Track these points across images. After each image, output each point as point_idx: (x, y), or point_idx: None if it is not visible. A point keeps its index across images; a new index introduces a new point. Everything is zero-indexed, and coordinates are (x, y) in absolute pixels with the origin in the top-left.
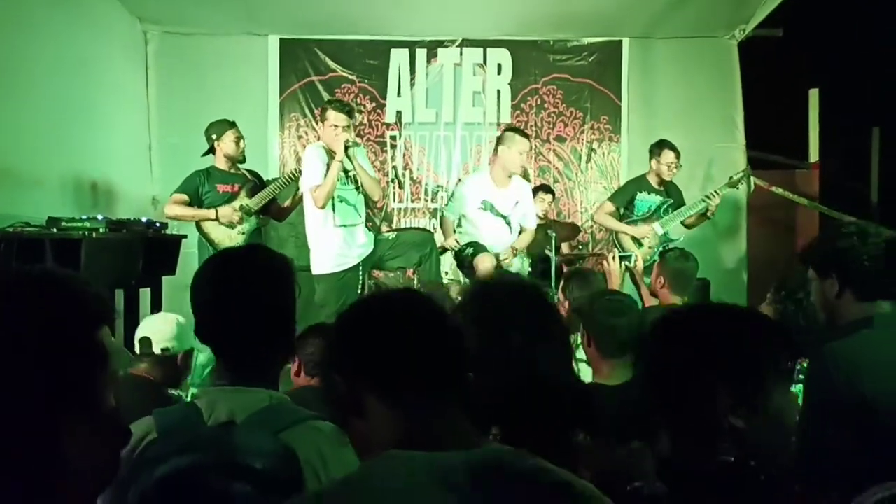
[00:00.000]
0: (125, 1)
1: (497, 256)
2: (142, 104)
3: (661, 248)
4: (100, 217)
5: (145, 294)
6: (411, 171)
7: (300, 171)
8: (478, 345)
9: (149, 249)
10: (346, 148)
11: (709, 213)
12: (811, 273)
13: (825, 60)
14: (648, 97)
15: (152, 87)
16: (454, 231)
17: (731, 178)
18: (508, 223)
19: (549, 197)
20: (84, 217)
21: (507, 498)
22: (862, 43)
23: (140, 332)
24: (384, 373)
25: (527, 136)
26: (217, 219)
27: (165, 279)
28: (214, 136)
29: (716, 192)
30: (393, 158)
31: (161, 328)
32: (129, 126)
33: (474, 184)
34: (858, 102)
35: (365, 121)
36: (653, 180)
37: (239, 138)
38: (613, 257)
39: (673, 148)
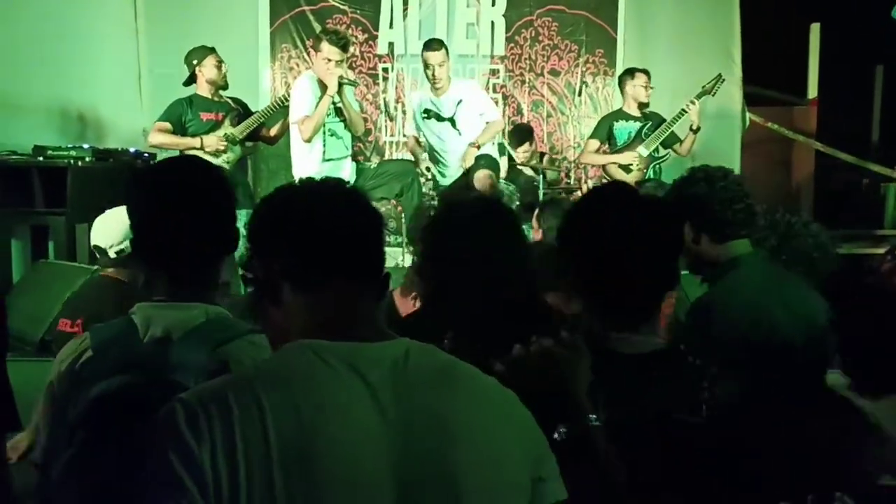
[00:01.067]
0: None
1: (495, 173)
2: (131, 33)
3: (650, 170)
4: (86, 146)
5: None
6: (403, 104)
7: (287, 99)
8: (438, 257)
9: None
10: (340, 85)
11: (694, 127)
12: None
13: None
14: (645, 30)
15: (142, 15)
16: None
17: (703, 86)
18: (454, 125)
19: (526, 146)
20: (70, 146)
21: (414, 389)
22: None
23: (93, 238)
24: (297, 257)
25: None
26: (202, 147)
27: None
28: (195, 62)
29: (691, 101)
30: (385, 91)
31: (112, 230)
32: (118, 55)
33: (416, 97)
34: (862, 39)
35: (357, 52)
36: (630, 109)
37: (220, 63)
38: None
39: (643, 70)
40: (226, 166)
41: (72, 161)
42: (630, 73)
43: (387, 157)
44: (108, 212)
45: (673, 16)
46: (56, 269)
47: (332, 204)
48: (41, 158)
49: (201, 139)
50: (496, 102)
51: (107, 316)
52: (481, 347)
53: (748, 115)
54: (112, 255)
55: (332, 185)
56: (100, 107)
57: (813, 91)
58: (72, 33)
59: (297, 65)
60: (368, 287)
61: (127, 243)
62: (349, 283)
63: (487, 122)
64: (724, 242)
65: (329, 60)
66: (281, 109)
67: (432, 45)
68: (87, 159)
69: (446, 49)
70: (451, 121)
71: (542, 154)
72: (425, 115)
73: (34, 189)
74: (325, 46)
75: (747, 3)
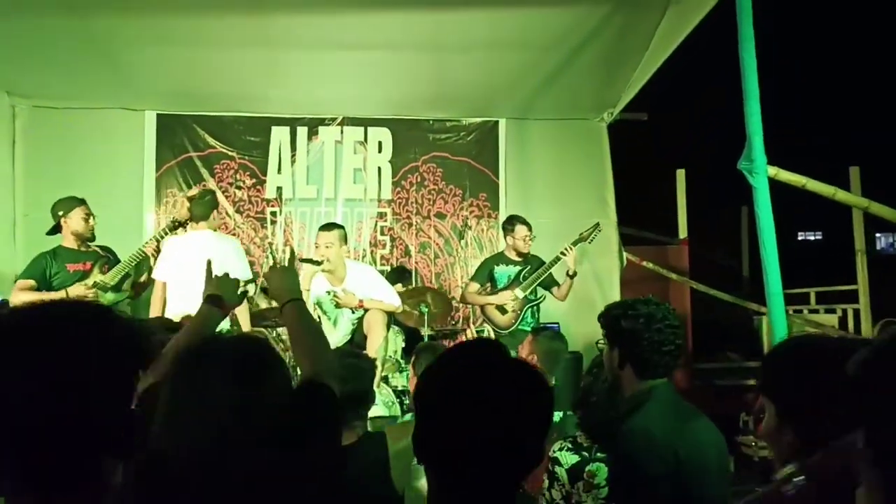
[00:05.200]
0: None
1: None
2: (7, 180)
3: (526, 312)
4: None
5: None
6: (292, 247)
7: (142, 255)
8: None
9: None
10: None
11: (570, 272)
12: (603, 338)
13: (690, 142)
14: (524, 175)
15: (19, 162)
16: None
17: (580, 233)
18: (353, 311)
19: (399, 285)
20: None
21: None
22: (726, 124)
23: None
24: None
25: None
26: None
27: None
28: (61, 214)
29: (567, 248)
30: (273, 234)
31: None
32: None
33: (317, 286)
34: (725, 182)
35: (245, 196)
36: (511, 254)
37: (89, 215)
38: (471, 332)
39: (523, 222)
40: None
41: None
42: (510, 221)
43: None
44: None
45: (549, 164)
46: None
47: None
48: None
49: (66, 291)
50: (384, 245)
51: None
52: None
53: (625, 254)
54: None
55: None
56: None
57: (683, 231)
58: None
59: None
60: None
61: None
62: None
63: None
64: (645, 380)
65: None
66: (146, 259)
67: (325, 226)
68: None
69: (340, 232)
70: (352, 309)
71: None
72: (317, 303)
73: None
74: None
75: (620, 150)
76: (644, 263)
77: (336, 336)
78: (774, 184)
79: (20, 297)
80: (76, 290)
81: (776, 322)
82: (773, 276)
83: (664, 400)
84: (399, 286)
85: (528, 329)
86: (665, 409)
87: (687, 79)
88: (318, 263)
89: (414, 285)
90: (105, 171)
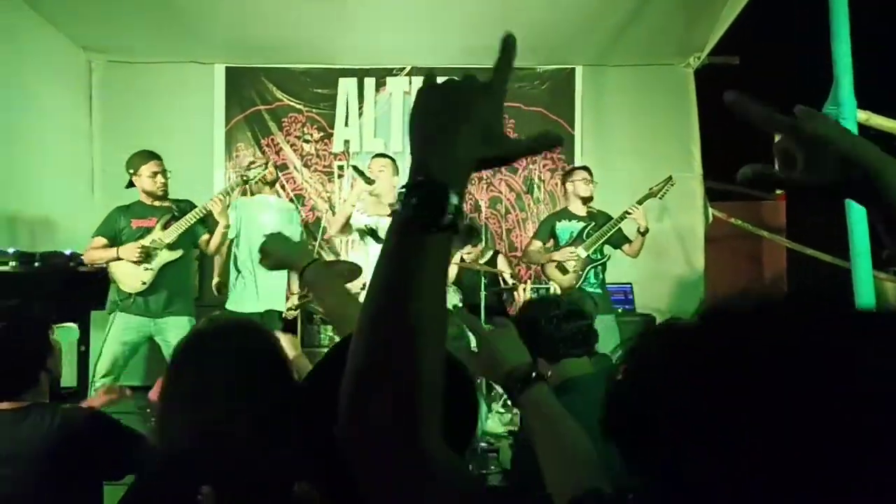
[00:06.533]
0: (69, 31)
1: None
2: (85, 135)
3: (589, 272)
4: (10, 250)
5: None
6: (354, 166)
7: (208, 210)
8: None
9: (71, 283)
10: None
11: (641, 229)
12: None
13: (787, 88)
14: (602, 126)
15: (97, 116)
16: None
17: (650, 188)
18: None
19: (469, 248)
20: None
21: None
22: (824, 68)
23: None
24: None
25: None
26: (119, 257)
27: (95, 313)
28: (131, 171)
29: (635, 205)
30: (340, 189)
31: None
32: (71, 157)
33: (360, 218)
34: None
35: (312, 150)
36: (574, 208)
37: (156, 172)
38: (524, 290)
39: (583, 167)
40: (148, 274)
41: None
42: (570, 172)
43: (341, 254)
44: None
45: (630, 113)
46: None
47: None
48: None
49: (117, 249)
50: None
51: None
52: None
53: (711, 210)
54: None
55: None
56: (50, 209)
57: None
58: (24, 138)
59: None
60: None
61: None
62: None
63: None
64: (558, 361)
65: None
66: (210, 215)
67: (379, 154)
68: (12, 264)
69: (395, 163)
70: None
71: (496, 252)
72: (367, 230)
73: None
74: None
75: (710, 98)
76: (732, 220)
77: None
78: (868, 131)
79: (91, 254)
80: (125, 249)
81: (862, 286)
82: (860, 233)
83: (584, 392)
84: (469, 248)
85: (591, 290)
86: (583, 402)
87: (783, 16)
88: (370, 181)
89: (485, 244)
90: (176, 125)
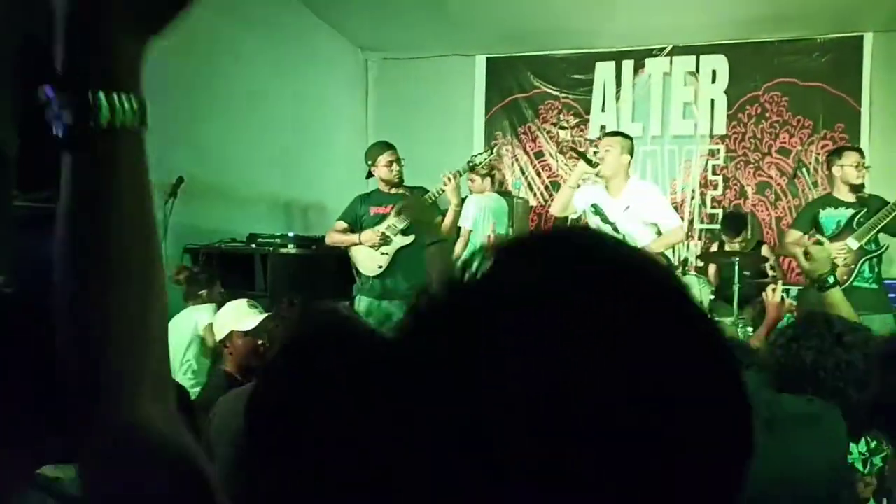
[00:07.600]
0: (348, 33)
1: None
2: (361, 128)
3: (863, 265)
4: (290, 234)
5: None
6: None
7: (442, 192)
8: None
9: (342, 265)
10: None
11: None
12: None
13: None
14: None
15: (371, 111)
16: None
17: None
18: (616, 230)
19: (742, 235)
20: (278, 234)
21: None
22: None
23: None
24: None
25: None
26: (360, 242)
27: None
28: (369, 162)
29: None
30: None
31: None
32: (348, 150)
33: (586, 190)
34: None
35: (568, 137)
36: (840, 194)
37: (392, 161)
38: (774, 289)
39: (854, 148)
40: (384, 258)
41: (272, 248)
42: (836, 151)
43: None
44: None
45: None
46: None
47: None
48: (254, 246)
49: (359, 235)
50: (715, 186)
51: None
52: None
53: None
54: None
55: None
56: (328, 198)
57: None
58: (308, 134)
59: (508, 151)
60: None
61: None
62: None
63: (663, 230)
64: None
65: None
66: (434, 201)
67: (610, 132)
68: (289, 246)
69: (626, 141)
70: (614, 226)
71: (761, 242)
72: (593, 210)
73: (255, 273)
74: None
75: None
76: None
77: None
78: None
79: (333, 236)
80: (365, 235)
81: None
82: None
83: None
84: (743, 234)
85: (866, 286)
86: None
87: None
88: (592, 164)
89: (750, 235)
90: (440, 117)
